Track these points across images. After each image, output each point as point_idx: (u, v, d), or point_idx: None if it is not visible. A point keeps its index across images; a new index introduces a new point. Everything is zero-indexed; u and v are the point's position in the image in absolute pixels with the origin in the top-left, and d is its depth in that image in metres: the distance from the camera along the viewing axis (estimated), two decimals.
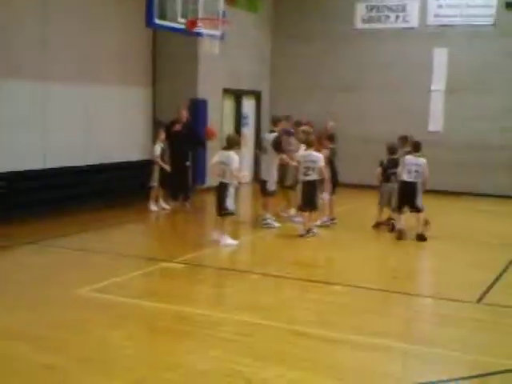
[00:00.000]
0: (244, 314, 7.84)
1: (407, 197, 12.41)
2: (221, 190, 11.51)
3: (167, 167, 14.68)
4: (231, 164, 11.31)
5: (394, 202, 12.77)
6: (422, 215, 12.41)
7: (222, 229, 11.63)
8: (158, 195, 14.89)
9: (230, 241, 11.50)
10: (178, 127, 14.95)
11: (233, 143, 11.64)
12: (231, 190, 11.50)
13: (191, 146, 15.31)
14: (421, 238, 12.24)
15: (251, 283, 9.37)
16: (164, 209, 14.96)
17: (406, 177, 12.38)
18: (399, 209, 12.63)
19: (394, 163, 12.89)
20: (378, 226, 13.18)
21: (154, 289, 9.10)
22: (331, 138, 13.85)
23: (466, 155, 18.57)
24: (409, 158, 12.50)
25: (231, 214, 11.65)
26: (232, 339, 6.98)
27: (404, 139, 13.62)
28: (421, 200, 12.40)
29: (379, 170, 13.09)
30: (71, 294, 8.39)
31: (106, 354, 6.48)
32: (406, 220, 12.60)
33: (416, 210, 12.42)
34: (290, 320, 7.67)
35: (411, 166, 12.37)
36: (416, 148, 12.59)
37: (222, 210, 11.52)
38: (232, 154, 11.44)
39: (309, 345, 6.91)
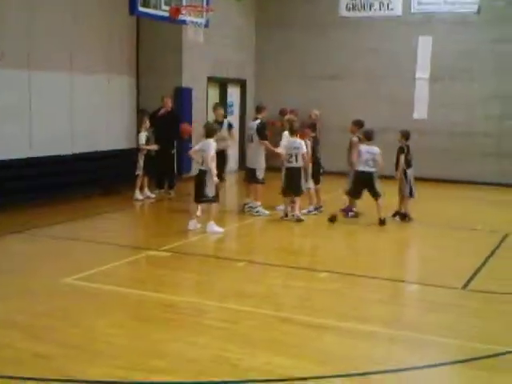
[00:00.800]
0: (230, 301, 7.85)
1: (366, 186, 12.45)
2: (200, 177, 11.53)
3: (154, 147, 14.71)
4: (207, 150, 11.36)
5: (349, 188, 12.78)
6: (380, 201, 12.41)
7: (193, 215, 11.75)
8: (143, 184, 14.86)
9: (216, 228, 11.50)
10: (162, 111, 15.03)
11: (211, 132, 11.67)
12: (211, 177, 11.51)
13: (176, 135, 15.28)
14: (382, 222, 12.32)
15: (237, 271, 9.36)
16: (149, 197, 14.93)
17: (361, 167, 12.36)
18: (354, 196, 12.75)
19: (409, 149, 12.90)
20: (404, 216, 12.95)
21: (140, 277, 9.08)
22: (313, 126, 13.79)
23: (450, 143, 18.63)
24: (363, 147, 12.45)
25: (212, 200, 11.62)
26: (219, 326, 6.99)
27: (359, 124, 13.30)
28: (379, 186, 12.44)
29: (403, 157, 12.70)
30: (58, 282, 8.36)
31: (93, 342, 6.46)
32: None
33: (376, 196, 12.42)
34: (276, 307, 7.70)
35: (366, 155, 12.34)
36: (368, 136, 12.53)
37: (201, 197, 11.54)
38: (211, 141, 11.52)
39: (295, 331, 6.93)
